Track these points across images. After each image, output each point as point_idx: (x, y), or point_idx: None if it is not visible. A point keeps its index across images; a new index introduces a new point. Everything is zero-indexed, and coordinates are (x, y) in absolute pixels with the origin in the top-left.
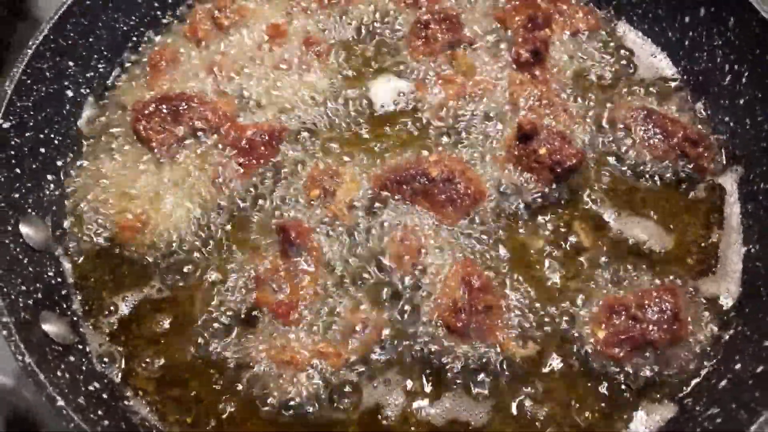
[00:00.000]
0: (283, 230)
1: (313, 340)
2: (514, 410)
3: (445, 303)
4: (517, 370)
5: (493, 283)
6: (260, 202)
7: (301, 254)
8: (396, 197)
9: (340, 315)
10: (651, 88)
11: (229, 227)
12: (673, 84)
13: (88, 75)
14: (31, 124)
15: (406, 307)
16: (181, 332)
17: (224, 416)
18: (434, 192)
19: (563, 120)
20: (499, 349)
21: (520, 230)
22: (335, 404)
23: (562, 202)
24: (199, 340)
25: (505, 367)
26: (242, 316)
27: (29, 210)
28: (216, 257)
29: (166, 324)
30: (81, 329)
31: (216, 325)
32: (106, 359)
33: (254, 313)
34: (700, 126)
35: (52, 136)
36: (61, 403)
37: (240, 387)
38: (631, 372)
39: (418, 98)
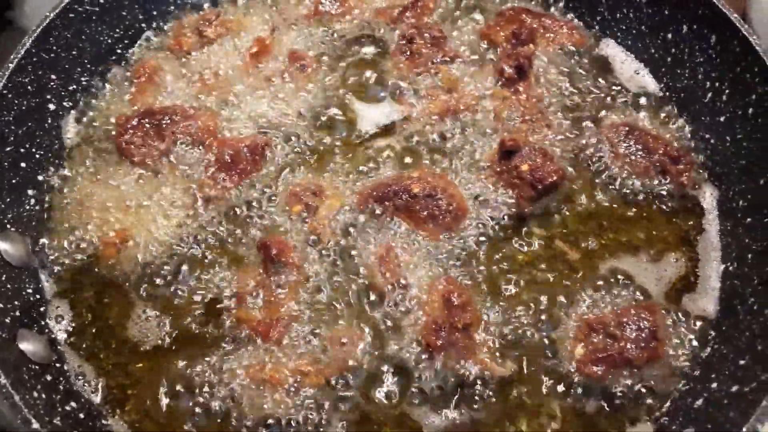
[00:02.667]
0: (264, 247)
1: (293, 359)
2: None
3: (426, 321)
4: (495, 387)
5: (474, 299)
6: (243, 217)
7: (283, 271)
8: (378, 213)
9: (320, 333)
10: (633, 105)
11: (212, 242)
12: (655, 100)
13: (70, 88)
14: (12, 138)
15: (388, 324)
16: (161, 350)
17: None
18: (416, 208)
19: (545, 135)
20: (477, 367)
21: (501, 247)
22: (314, 422)
23: (543, 219)
24: (179, 358)
25: (482, 384)
26: (224, 333)
27: (8, 225)
28: (198, 273)
29: (147, 343)
30: (59, 347)
31: (198, 342)
32: (83, 378)
33: (236, 331)
34: (681, 143)
35: (34, 150)
36: (36, 425)
37: (216, 406)
38: (608, 390)
39: (402, 114)
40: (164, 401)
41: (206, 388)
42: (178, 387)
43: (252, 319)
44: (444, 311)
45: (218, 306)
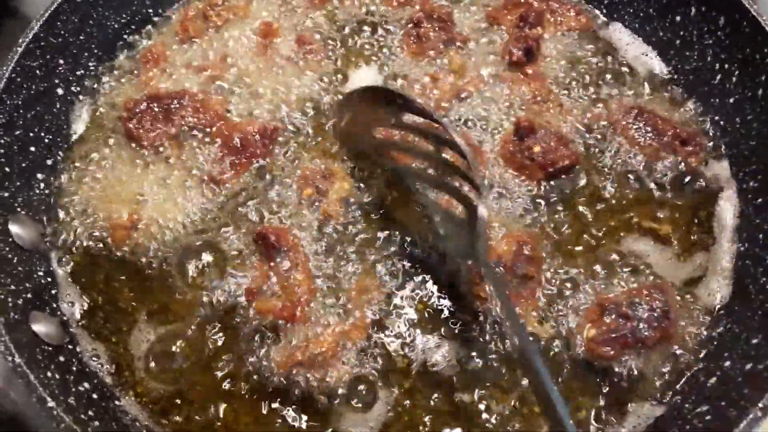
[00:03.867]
0: (262, 237)
1: (329, 327)
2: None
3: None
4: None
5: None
6: (252, 200)
7: (286, 255)
8: None
9: (346, 292)
10: (642, 87)
11: (222, 226)
12: (663, 83)
13: (78, 73)
14: (21, 122)
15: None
16: (174, 333)
17: (219, 414)
18: None
19: (557, 116)
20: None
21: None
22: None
23: (555, 198)
24: (190, 334)
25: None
26: (249, 326)
27: (18, 209)
28: (209, 256)
29: (159, 326)
30: (71, 329)
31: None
32: (96, 359)
33: (260, 323)
34: (690, 124)
35: (42, 134)
36: (51, 404)
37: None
38: (620, 370)
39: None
40: (176, 381)
41: (256, 377)
42: (190, 368)
43: (273, 308)
44: (511, 256)
45: (234, 302)
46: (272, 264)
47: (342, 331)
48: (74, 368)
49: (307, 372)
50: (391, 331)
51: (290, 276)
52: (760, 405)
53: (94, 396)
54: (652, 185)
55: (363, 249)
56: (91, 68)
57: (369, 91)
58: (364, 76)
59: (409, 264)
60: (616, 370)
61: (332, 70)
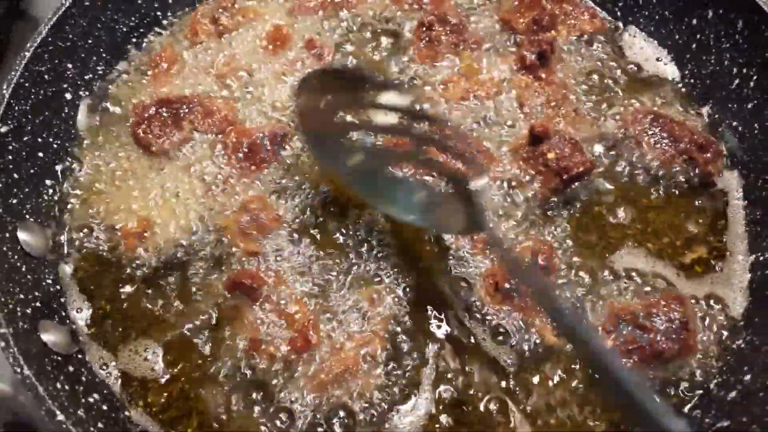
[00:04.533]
0: (237, 285)
1: (346, 341)
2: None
3: (500, 266)
4: (533, 352)
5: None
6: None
7: (272, 291)
8: None
9: (354, 305)
10: (657, 92)
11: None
12: (679, 87)
13: (87, 77)
14: (29, 128)
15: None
16: (186, 344)
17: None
18: None
19: (572, 122)
20: (533, 329)
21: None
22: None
23: (570, 206)
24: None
25: (531, 347)
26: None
27: (27, 216)
28: (220, 263)
29: (169, 334)
30: (81, 338)
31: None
32: (104, 368)
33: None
34: (707, 131)
35: (51, 140)
36: (60, 417)
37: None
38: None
39: (422, 101)
40: (187, 393)
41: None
42: (204, 380)
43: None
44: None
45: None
46: (258, 303)
47: (360, 344)
48: (83, 378)
49: (335, 390)
50: (405, 325)
51: (285, 308)
52: None
53: (104, 407)
54: (669, 192)
55: (340, 258)
56: (100, 72)
57: (328, 73)
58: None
59: (397, 258)
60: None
61: None
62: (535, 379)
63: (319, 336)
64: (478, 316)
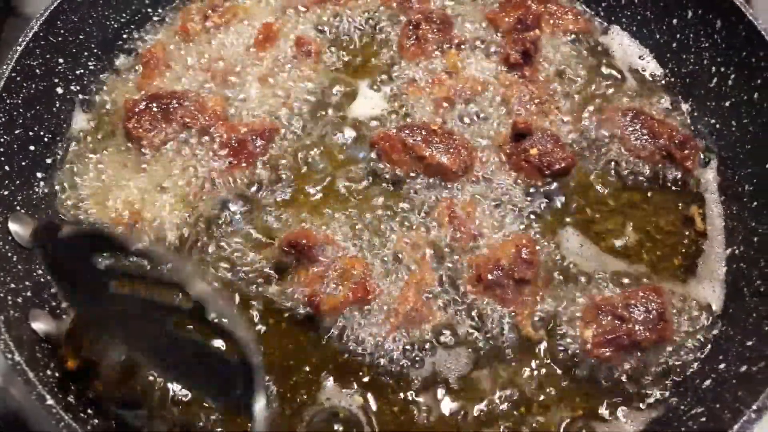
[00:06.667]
0: (294, 246)
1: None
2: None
3: (489, 257)
4: (518, 345)
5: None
6: (251, 201)
7: (322, 251)
8: None
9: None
10: (638, 90)
11: (222, 225)
12: (660, 86)
13: (78, 72)
14: (21, 121)
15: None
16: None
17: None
18: None
19: (554, 118)
20: (511, 320)
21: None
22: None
23: (551, 201)
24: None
25: (507, 338)
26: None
27: (18, 207)
28: (209, 256)
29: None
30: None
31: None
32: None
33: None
34: (686, 127)
35: (42, 133)
36: (50, 402)
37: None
38: (616, 371)
39: (409, 99)
40: None
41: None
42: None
43: (345, 297)
44: (509, 259)
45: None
46: (316, 263)
47: (416, 283)
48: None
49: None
50: (451, 262)
51: (338, 264)
52: (754, 407)
53: (92, 395)
54: (648, 187)
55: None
56: (91, 67)
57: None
58: (363, 78)
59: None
60: (612, 371)
61: (331, 71)
62: None
63: (375, 286)
64: None
